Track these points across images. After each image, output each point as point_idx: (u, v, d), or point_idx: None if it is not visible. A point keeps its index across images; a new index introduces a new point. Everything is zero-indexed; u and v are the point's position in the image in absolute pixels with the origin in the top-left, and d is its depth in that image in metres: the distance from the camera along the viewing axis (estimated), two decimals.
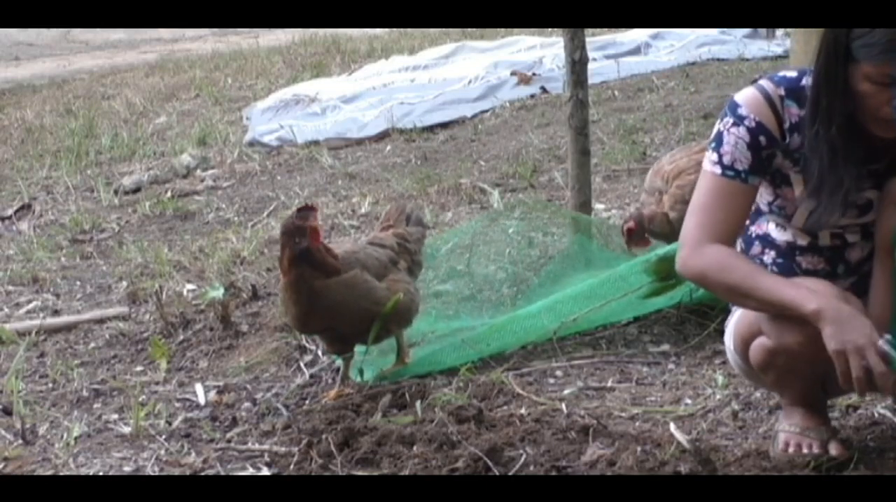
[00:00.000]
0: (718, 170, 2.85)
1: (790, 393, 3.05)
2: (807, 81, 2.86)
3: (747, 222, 3.00)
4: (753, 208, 2.97)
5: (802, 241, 2.95)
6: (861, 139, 2.80)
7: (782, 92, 2.86)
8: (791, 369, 2.91)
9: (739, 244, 3.03)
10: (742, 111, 2.85)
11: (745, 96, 2.87)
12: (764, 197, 2.94)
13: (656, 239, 4.55)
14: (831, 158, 2.79)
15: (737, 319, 3.03)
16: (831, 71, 2.77)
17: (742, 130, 2.84)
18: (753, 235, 3.01)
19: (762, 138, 2.84)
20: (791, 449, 3.02)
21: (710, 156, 2.87)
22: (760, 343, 2.91)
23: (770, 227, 2.98)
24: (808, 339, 2.76)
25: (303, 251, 3.65)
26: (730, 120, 2.86)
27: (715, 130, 2.89)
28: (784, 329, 2.81)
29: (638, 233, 4.52)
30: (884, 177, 2.85)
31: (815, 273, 2.94)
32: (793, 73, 2.91)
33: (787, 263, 2.96)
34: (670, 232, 4.50)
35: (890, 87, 2.69)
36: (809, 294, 2.73)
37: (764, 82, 2.89)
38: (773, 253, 2.98)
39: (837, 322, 2.69)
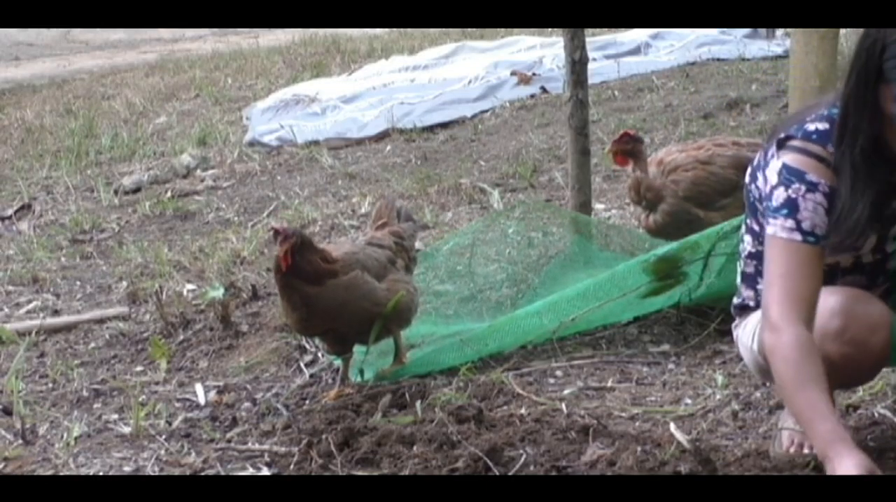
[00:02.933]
0: (799, 236, 2.76)
1: None
2: None
3: (763, 248, 2.93)
4: None
5: (846, 263, 2.91)
6: (886, 161, 2.76)
7: (831, 149, 2.78)
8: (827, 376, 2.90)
9: (754, 264, 3.00)
10: (811, 177, 2.77)
11: (806, 163, 2.78)
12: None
13: (634, 203, 4.58)
14: (853, 181, 2.74)
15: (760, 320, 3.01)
16: (860, 91, 2.72)
17: (819, 196, 2.76)
18: None
19: (837, 202, 2.76)
20: (793, 449, 3.02)
21: (783, 223, 2.77)
22: None
23: None
24: (853, 350, 2.78)
25: (284, 268, 3.68)
26: (801, 187, 2.76)
27: (782, 197, 2.77)
28: (827, 339, 2.79)
29: (627, 151, 4.52)
30: None
31: (853, 286, 2.91)
32: (825, 125, 2.81)
33: (827, 283, 2.90)
34: (661, 225, 4.51)
35: None
36: (822, 435, 2.66)
37: (808, 146, 2.79)
38: None
39: (838, 466, 2.62)
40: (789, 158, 2.79)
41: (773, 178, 2.81)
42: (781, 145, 2.82)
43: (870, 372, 2.97)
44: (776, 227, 2.79)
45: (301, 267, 3.67)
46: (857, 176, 2.74)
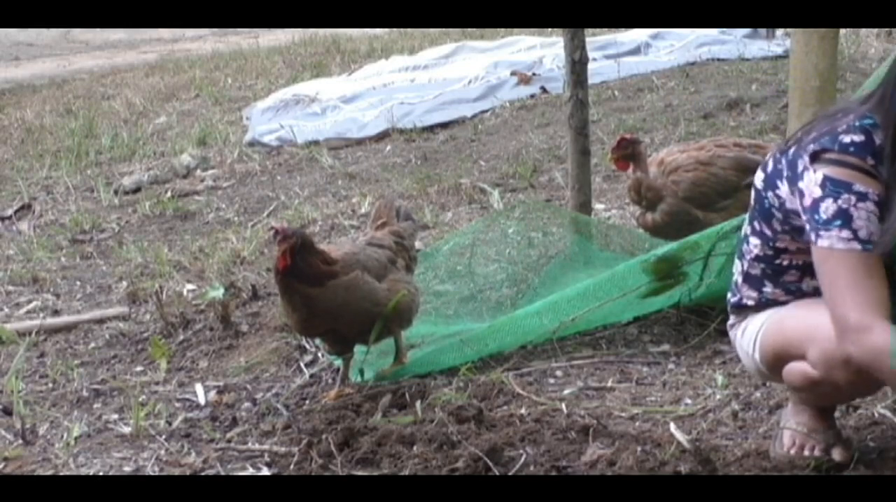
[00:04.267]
0: (858, 245, 2.71)
1: (811, 401, 3.03)
2: (879, 138, 2.76)
3: (772, 253, 2.96)
4: (794, 247, 2.91)
5: None
6: None
7: (871, 161, 2.74)
8: (831, 396, 2.90)
9: (761, 267, 2.99)
10: (859, 187, 2.72)
11: (850, 175, 2.72)
12: None
13: (634, 203, 4.59)
14: None
15: (765, 330, 2.98)
16: None
17: (871, 205, 2.72)
18: (793, 263, 2.95)
19: (885, 213, 2.72)
20: (794, 451, 3.02)
21: (839, 233, 2.71)
22: (802, 371, 2.87)
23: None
24: (860, 379, 2.75)
25: (280, 268, 3.68)
26: (850, 197, 2.71)
27: (833, 209, 2.72)
28: (835, 366, 2.77)
29: (627, 155, 4.53)
30: None
31: None
32: (860, 137, 2.76)
33: None
34: (660, 225, 4.52)
35: None
36: None
37: (847, 158, 2.74)
38: (815, 282, 2.88)
39: None
40: (830, 170, 2.74)
41: (816, 191, 2.75)
42: (816, 158, 2.77)
43: (872, 392, 2.99)
44: (832, 240, 2.73)
45: (301, 268, 3.67)
46: None
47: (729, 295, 3.12)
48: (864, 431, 3.20)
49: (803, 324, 2.88)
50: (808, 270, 2.92)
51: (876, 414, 3.31)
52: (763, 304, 3.01)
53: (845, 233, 2.72)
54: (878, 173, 2.73)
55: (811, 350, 2.83)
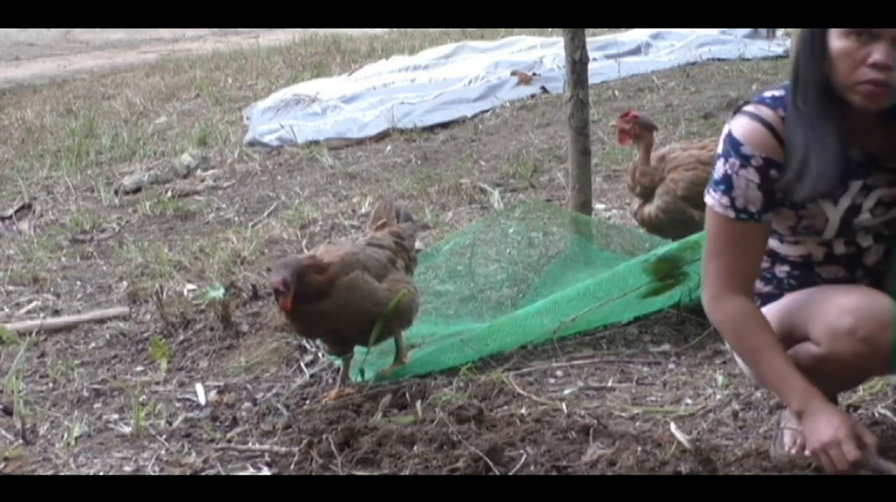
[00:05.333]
0: (732, 213, 2.80)
1: (818, 387, 3.02)
2: None
3: None
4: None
5: (818, 254, 2.91)
6: (836, 105, 2.74)
7: (782, 113, 2.79)
8: (839, 376, 2.90)
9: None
10: (746, 150, 2.78)
11: (744, 131, 2.79)
12: (783, 223, 2.90)
13: (630, 189, 4.68)
14: (809, 130, 2.73)
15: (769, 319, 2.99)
16: (809, 39, 2.75)
17: (751, 171, 2.78)
18: None
19: (772, 172, 2.78)
20: (794, 451, 3.02)
21: (720, 198, 2.81)
22: (807, 350, 2.86)
23: (774, 244, 2.95)
24: (865, 349, 2.75)
25: (288, 310, 3.65)
26: (735, 161, 2.78)
27: (720, 171, 2.81)
28: (839, 338, 2.77)
29: (628, 133, 4.62)
30: None
31: (836, 281, 2.91)
32: (780, 92, 2.83)
33: (806, 275, 2.93)
34: (655, 222, 4.53)
35: (869, 41, 2.66)
36: (797, 393, 2.79)
37: (758, 109, 2.80)
38: (785, 267, 2.95)
39: (814, 421, 2.77)
40: (735, 124, 2.81)
41: (719, 146, 2.85)
42: (738, 111, 2.85)
43: (880, 370, 2.94)
44: (714, 201, 2.84)
45: (305, 293, 3.63)
46: (812, 126, 2.74)
47: None
48: None
49: (804, 307, 2.88)
50: (775, 257, 2.96)
51: (876, 414, 3.31)
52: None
53: (725, 200, 2.82)
54: (785, 131, 2.76)
55: (813, 327, 2.82)
